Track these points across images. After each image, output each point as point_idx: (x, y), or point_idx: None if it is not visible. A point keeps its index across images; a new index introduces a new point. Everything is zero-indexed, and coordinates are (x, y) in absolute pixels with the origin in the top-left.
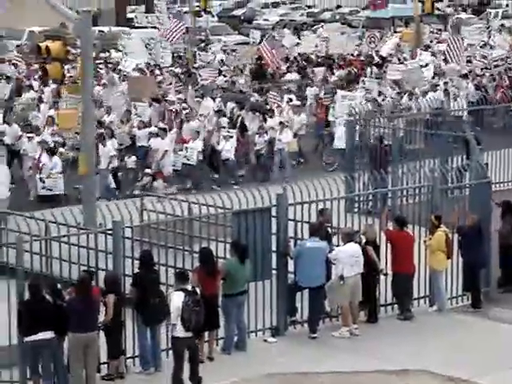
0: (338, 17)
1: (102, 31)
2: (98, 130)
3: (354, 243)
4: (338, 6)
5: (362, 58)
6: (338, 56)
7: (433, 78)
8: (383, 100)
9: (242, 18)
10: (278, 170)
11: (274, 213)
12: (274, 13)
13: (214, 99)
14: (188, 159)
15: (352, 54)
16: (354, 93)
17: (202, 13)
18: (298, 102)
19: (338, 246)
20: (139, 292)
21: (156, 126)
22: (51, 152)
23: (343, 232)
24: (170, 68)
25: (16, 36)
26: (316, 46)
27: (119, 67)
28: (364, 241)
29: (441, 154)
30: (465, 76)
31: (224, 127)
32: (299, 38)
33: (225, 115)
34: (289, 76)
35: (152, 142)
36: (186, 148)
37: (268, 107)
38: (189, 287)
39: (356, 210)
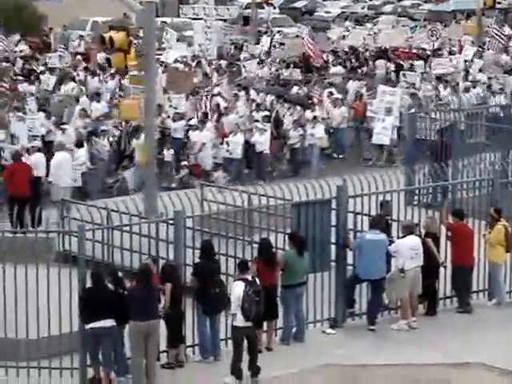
0: (400, 10)
1: (165, 22)
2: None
3: (414, 236)
4: None
5: (413, 51)
6: (386, 49)
7: (480, 71)
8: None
9: (304, 10)
10: (312, 165)
11: (333, 205)
12: (336, 5)
13: (257, 91)
14: (231, 153)
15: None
16: (394, 88)
17: (264, 4)
18: (339, 96)
19: (397, 238)
20: (200, 282)
21: (195, 119)
22: (79, 144)
23: (403, 225)
24: (215, 60)
25: (79, 26)
26: (364, 39)
27: (161, 58)
28: (424, 233)
29: (502, 148)
30: (510, 71)
31: (257, 120)
32: (348, 30)
33: (262, 108)
34: (333, 69)
35: (191, 135)
36: (227, 142)
37: (310, 101)
38: (249, 277)
39: (416, 202)
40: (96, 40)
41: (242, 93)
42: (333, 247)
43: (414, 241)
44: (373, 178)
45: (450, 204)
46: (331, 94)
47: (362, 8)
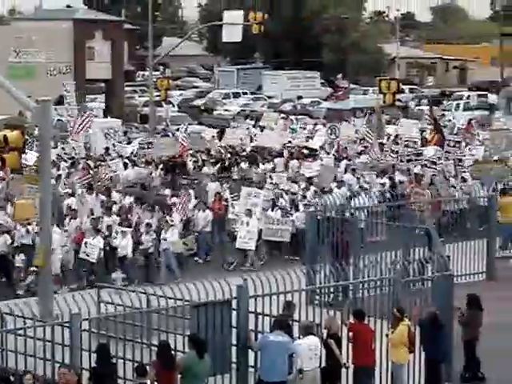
0: (299, 107)
1: (61, 120)
2: None
3: (314, 336)
4: (299, 97)
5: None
6: (261, 149)
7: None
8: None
9: (203, 107)
10: (165, 270)
11: (234, 305)
12: (235, 103)
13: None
14: (88, 255)
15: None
16: (259, 190)
17: (163, 102)
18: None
19: (298, 338)
20: None
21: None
22: None
23: (302, 325)
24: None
25: None
26: (241, 140)
27: None
28: (326, 334)
29: (402, 246)
30: (381, 172)
31: (121, 224)
32: (222, 131)
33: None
34: (205, 169)
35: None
36: (86, 243)
37: (169, 203)
38: (148, 382)
39: (317, 302)
40: None
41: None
42: (233, 349)
43: (313, 341)
44: (273, 277)
45: (351, 303)
46: (196, 197)
47: (262, 106)
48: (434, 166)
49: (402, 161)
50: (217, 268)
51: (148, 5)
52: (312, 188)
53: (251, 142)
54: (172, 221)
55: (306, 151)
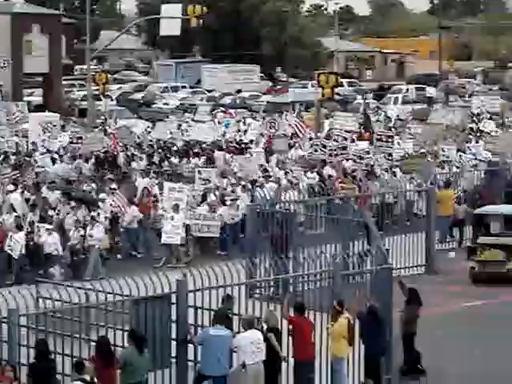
0: (239, 101)
1: None
2: None
3: (256, 330)
4: (239, 91)
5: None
6: (195, 143)
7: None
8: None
9: (142, 101)
10: (91, 267)
11: (173, 300)
12: (174, 97)
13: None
14: (11, 250)
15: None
16: (183, 185)
17: (101, 96)
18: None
19: (238, 332)
20: (35, 382)
21: None
22: None
23: (244, 319)
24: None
25: None
26: (170, 133)
27: None
28: (266, 327)
29: (342, 240)
30: (311, 167)
31: (33, 221)
32: (154, 124)
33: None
34: (134, 164)
35: None
36: (11, 237)
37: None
38: (87, 377)
39: (257, 296)
40: None
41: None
42: (173, 343)
43: (255, 335)
44: (213, 271)
45: (291, 297)
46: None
47: (201, 100)
48: (360, 161)
49: (330, 155)
50: (143, 264)
51: None
52: (242, 183)
53: (182, 135)
54: (98, 217)
55: (237, 145)
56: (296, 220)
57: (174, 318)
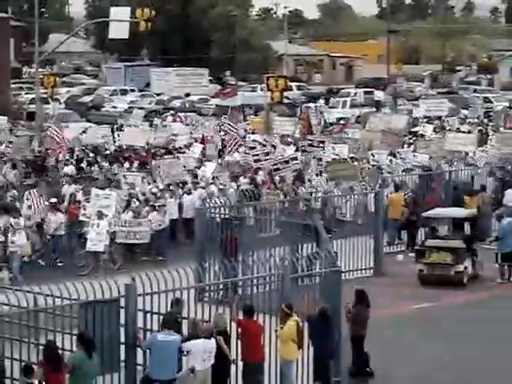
0: (188, 105)
1: None
2: None
3: (211, 340)
4: (187, 94)
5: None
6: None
7: None
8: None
9: (90, 104)
10: (16, 274)
11: (122, 303)
12: (123, 100)
13: None
14: None
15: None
16: (110, 191)
17: (49, 100)
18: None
19: (190, 337)
20: None
21: None
22: None
23: (203, 328)
24: None
25: None
26: (103, 137)
27: None
28: (214, 330)
29: (291, 243)
30: (242, 171)
31: None
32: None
33: None
34: (66, 169)
35: None
36: None
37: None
38: (35, 381)
39: (207, 299)
40: None
41: None
42: (122, 347)
43: (209, 344)
44: (162, 275)
45: (240, 300)
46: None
47: (150, 103)
48: (286, 165)
49: (255, 161)
50: (67, 272)
51: (34, 1)
52: (171, 187)
53: (114, 141)
54: (19, 223)
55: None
56: (246, 223)
57: (122, 321)
